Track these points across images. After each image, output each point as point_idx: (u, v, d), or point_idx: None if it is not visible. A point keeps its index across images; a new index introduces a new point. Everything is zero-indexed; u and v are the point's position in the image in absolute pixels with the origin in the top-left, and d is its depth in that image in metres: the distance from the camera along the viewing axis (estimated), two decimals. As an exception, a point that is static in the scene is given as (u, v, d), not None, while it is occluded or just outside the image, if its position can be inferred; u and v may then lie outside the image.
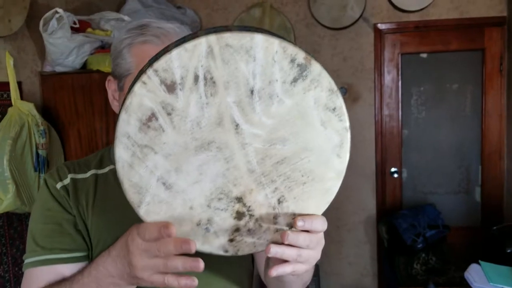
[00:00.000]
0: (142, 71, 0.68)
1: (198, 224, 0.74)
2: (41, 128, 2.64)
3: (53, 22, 2.62)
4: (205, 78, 0.67)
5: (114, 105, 1.08)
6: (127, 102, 0.68)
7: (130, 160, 0.70)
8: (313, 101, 0.70)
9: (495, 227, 3.27)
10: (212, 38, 0.65)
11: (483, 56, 3.72)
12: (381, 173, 3.89)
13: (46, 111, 2.91)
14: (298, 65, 0.68)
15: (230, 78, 0.67)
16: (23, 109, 2.58)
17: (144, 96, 0.67)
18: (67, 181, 1.06)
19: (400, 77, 3.82)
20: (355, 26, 3.71)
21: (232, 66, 0.66)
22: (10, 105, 2.61)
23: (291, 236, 0.72)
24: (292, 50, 0.67)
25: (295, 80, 0.68)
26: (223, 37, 0.65)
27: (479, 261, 2.13)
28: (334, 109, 0.71)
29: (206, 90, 0.67)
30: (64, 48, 2.70)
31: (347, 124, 0.72)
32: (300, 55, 0.67)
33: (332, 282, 4.05)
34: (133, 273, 0.76)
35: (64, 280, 0.96)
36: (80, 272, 0.93)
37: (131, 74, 1.01)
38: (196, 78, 0.66)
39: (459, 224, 3.83)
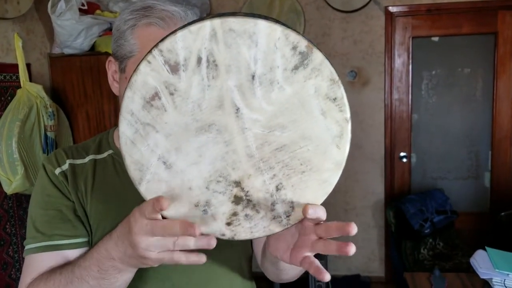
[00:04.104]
0: (149, 51, 0.69)
1: (197, 206, 0.75)
2: (50, 110, 2.65)
3: (61, 4, 2.62)
4: (207, 61, 0.67)
5: (114, 87, 1.07)
6: (132, 79, 0.69)
7: (133, 136, 0.72)
8: (313, 90, 0.70)
9: (503, 213, 3.26)
10: (216, 21, 0.66)
11: (496, 40, 3.67)
12: (390, 157, 3.87)
13: (54, 93, 2.92)
14: (300, 53, 0.68)
15: (232, 62, 0.67)
16: (31, 91, 2.60)
17: (148, 75, 0.69)
18: (65, 166, 1.06)
19: (411, 61, 3.78)
20: (366, 9, 3.67)
21: (234, 50, 0.67)
22: (19, 86, 2.62)
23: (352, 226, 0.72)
24: (295, 37, 0.67)
25: (296, 68, 0.68)
26: (227, 21, 0.66)
27: (485, 247, 2.12)
28: (334, 99, 0.70)
29: (208, 73, 0.68)
30: (72, 30, 2.70)
31: (348, 115, 0.72)
32: (302, 43, 0.67)
33: (339, 266, 4.07)
34: (136, 253, 0.77)
35: (67, 264, 0.96)
36: (83, 256, 0.93)
37: (134, 56, 1.00)
38: (199, 60, 0.67)
39: (468, 210, 3.82)
